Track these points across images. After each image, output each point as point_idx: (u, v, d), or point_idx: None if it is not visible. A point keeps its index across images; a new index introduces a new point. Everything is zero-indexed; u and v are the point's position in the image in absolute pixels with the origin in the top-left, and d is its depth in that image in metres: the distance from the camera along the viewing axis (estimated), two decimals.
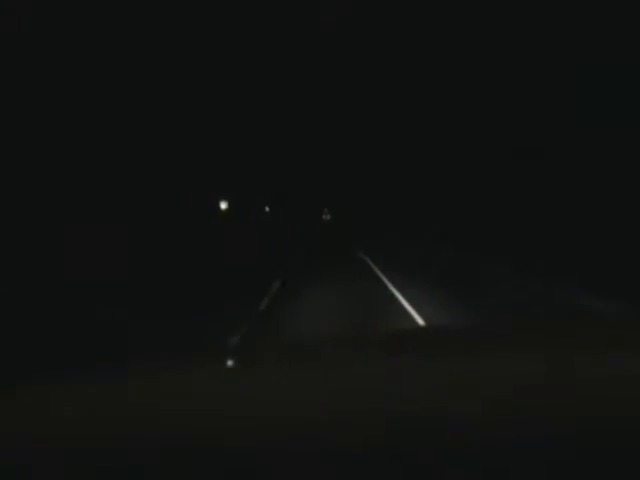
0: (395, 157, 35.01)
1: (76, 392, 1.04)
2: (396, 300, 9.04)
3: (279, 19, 26.57)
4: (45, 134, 11.69)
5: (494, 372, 1.00)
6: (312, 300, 9.50)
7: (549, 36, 14.84)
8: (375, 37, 28.59)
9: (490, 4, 17.52)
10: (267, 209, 39.23)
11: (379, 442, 0.73)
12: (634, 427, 0.73)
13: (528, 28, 15.67)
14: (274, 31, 26.86)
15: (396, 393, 0.91)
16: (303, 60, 32.92)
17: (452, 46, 20.80)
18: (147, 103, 16.64)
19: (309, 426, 0.81)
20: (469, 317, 7.09)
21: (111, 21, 13.88)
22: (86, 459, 0.74)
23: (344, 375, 1.07)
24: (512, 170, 17.75)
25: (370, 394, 0.91)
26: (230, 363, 1.39)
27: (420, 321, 7.16)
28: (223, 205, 22.60)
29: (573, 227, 12.77)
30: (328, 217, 74.58)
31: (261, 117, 33.65)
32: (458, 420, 0.77)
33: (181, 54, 18.73)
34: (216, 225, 21.16)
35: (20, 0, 10.91)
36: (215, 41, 22.39)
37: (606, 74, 12.77)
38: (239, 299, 9.66)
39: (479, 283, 11.06)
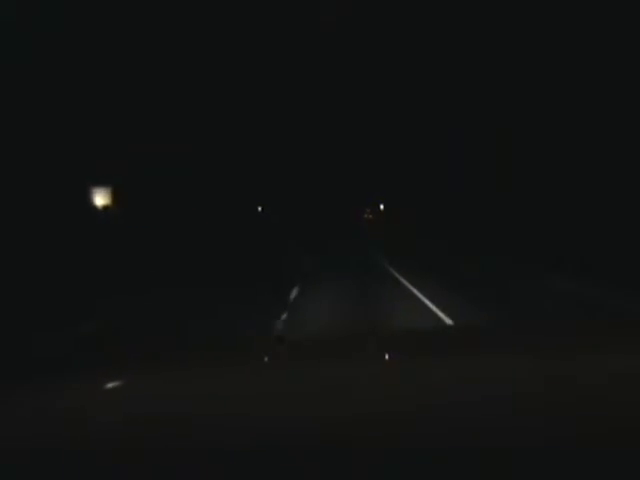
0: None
1: (75, 392, 1.03)
2: None
3: (286, 24, 25.26)
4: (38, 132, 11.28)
5: (494, 372, 1.01)
6: None
7: (553, 37, 14.72)
8: (379, 36, 26.82)
9: (489, 3, 17.51)
10: (259, 209, 36.58)
11: (378, 441, 0.73)
12: (634, 428, 0.73)
13: (530, 28, 15.47)
14: (280, 32, 25.58)
15: (395, 393, 0.92)
16: (312, 61, 30.74)
17: (453, 43, 20.82)
18: (152, 103, 16.22)
19: (308, 425, 0.80)
20: None
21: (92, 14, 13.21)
22: (86, 459, 0.73)
23: (343, 374, 1.07)
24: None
25: (369, 393, 0.92)
26: (229, 361, 1.38)
27: None
28: (99, 201, 14.50)
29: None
30: (371, 216, 70.89)
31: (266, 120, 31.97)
32: (458, 420, 0.78)
33: (184, 55, 18.15)
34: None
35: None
36: (217, 40, 21.69)
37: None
38: None
39: None
